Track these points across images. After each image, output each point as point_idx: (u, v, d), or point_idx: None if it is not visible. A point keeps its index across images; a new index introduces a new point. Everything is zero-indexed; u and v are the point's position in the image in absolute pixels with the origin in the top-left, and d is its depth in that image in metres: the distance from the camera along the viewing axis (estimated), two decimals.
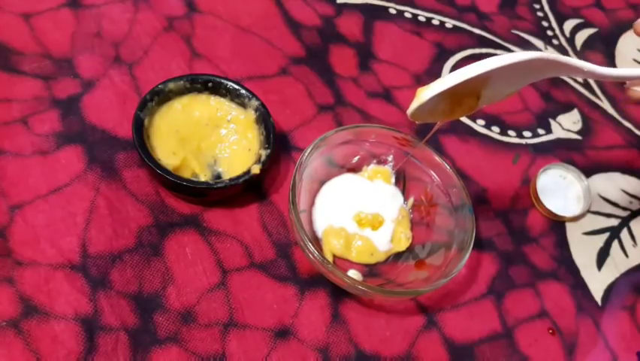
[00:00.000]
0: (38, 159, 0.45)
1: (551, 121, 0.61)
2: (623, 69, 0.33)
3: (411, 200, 0.50)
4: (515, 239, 0.52)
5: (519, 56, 0.31)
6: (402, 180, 0.51)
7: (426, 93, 0.33)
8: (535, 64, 0.32)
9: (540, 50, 0.67)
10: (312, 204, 0.48)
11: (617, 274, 0.53)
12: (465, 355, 0.45)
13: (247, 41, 0.57)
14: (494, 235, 0.52)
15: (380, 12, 0.65)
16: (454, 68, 0.62)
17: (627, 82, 0.35)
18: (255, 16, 0.59)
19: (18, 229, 0.41)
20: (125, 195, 0.45)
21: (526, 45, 0.67)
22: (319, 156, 0.47)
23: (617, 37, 0.73)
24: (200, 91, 0.48)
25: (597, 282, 0.52)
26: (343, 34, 0.61)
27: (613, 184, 0.58)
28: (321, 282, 0.45)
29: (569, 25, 0.71)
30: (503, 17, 0.69)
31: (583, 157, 0.59)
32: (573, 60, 0.32)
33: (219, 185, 0.43)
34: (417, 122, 0.35)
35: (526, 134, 0.59)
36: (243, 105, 0.48)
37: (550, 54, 0.33)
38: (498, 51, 0.65)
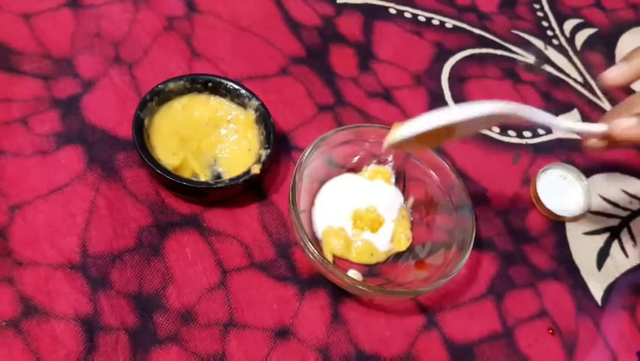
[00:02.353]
0: (38, 159, 0.45)
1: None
2: (577, 123, 0.35)
3: (411, 200, 0.50)
4: (515, 239, 0.52)
5: (482, 108, 0.34)
6: (402, 180, 0.51)
7: (398, 133, 0.36)
8: (497, 116, 0.35)
9: (540, 50, 0.67)
10: (312, 204, 0.48)
11: (617, 274, 0.53)
12: (465, 355, 0.45)
13: (247, 41, 0.57)
14: (494, 235, 0.52)
15: (380, 12, 0.65)
16: (454, 67, 0.62)
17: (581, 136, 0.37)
18: (254, 16, 0.59)
19: (18, 229, 0.41)
20: (125, 195, 0.45)
21: (526, 45, 0.67)
22: (319, 156, 0.47)
23: (617, 37, 0.73)
24: (200, 91, 0.48)
25: (597, 282, 0.52)
26: (343, 34, 0.61)
27: (613, 184, 0.58)
28: (321, 282, 0.45)
29: (569, 25, 0.71)
30: (503, 17, 0.69)
31: (583, 157, 0.59)
32: (531, 111, 0.35)
33: (219, 185, 0.43)
34: (394, 150, 0.38)
35: (526, 134, 0.59)
36: (243, 105, 0.48)
37: (510, 105, 0.35)
38: (498, 51, 0.66)
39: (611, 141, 0.34)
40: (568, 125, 0.35)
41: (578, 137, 0.37)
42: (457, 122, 0.35)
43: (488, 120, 0.38)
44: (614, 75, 0.37)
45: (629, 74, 0.36)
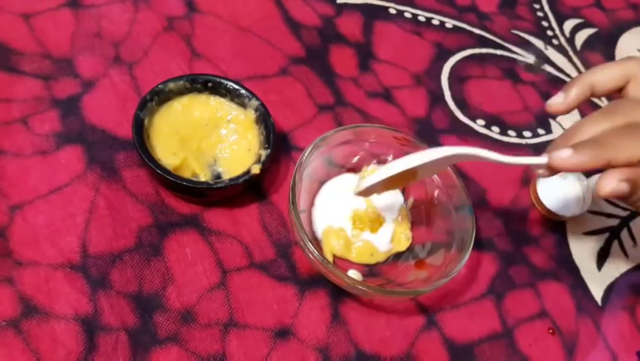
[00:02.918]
0: (38, 159, 0.45)
1: (551, 121, 0.61)
2: (522, 158, 0.40)
3: (411, 200, 0.50)
4: (515, 239, 0.52)
5: (437, 153, 0.39)
6: None
7: (365, 182, 0.41)
8: (452, 158, 0.40)
9: (540, 50, 0.67)
10: (311, 204, 0.48)
11: (617, 274, 0.53)
12: (465, 355, 0.45)
13: (247, 41, 0.57)
14: (494, 235, 0.52)
15: (380, 12, 0.65)
16: (454, 67, 0.62)
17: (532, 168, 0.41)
18: (255, 17, 0.59)
19: (18, 229, 0.41)
20: (125, 195, 0.45)
21: (526, 45, 0.67)
22: (319, 156, 0.47)
23: (617, 37, 0.73)
24: (200, 91, 0.48)
25: (597, 282, 0.52)
26: (343, 34, 0.61)
27: None
28: (321, 282, 0.45)
29: (569, 25, 0.71)
30: (503, 17, 0.69)
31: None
32: (481, 153, 0.39)
33: (219, 185, 0.43)
34: (365, 196, 0.44)
35: (526, 134, 0.59)
36: (243, 105, 0.48)
37: (462, 148, 0.39)
38: (498, 51, 0.66)
39: (553, 169, 0.37)
40: (515, 160, 0.39)
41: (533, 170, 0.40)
42: (418, 167, 0.39)
43: (446, 162, 0.43)
44: (555, 105, 0.40)
45: (567, 104, 0.40)
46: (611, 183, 0.35)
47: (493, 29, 0.67)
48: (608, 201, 0.57)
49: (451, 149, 0.39)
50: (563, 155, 0.36)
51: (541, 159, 0.38)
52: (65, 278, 0.40)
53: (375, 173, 0.41)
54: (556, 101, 0.40)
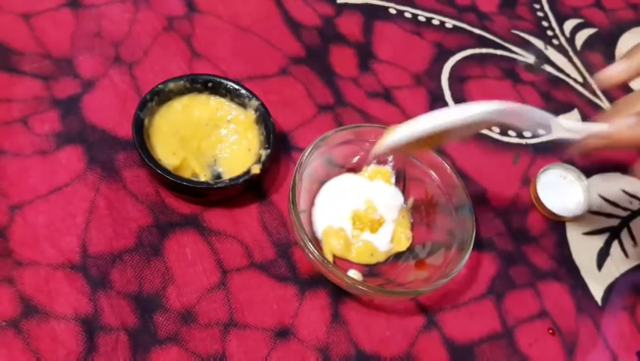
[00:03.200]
0: (38, 159, 0.45)
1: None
2: (577, 123, 0.35)
3: (411, 200, 0.50)
4: (515, 239, 0.52)
5: (483, 109, 0.33)
6: (402, 180, 0.51)
7: (391, 137, 0.36)
8: (497, 114, 0.35)
9: (540, 50, 0.67)
10: (312, 204, 0.48)
11: (617, 274, 0.53)
12: (465, 355, 0.45)
13: (247, 41, 0.57)
14: (494, 235, 0.52)
15: (380, 12, 0.65)
16: (454, 67, 0.62)
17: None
18: (255, 17, 0.59)
19: (18, 229, 0.41)
20: (125, 195, 0.45)
21: (526, 45, 0.67)
22: (319, 156, 0.47)
23: (617, 37, 0.73)
24: (200, 91, 0.48)
25: (597, 282, 0.52)
26: (343, 34, 0.61)
27: (613, 184, 0.58)
28: (321, 282, 0.45)
29: (569, 25, 0.71)
30: (503, 17, 0.69)
31: (583, 157, 0.59)
32: (530, 110, 0.34)
33: (219, 185, 0.43)
34: (387, 154, 0.39)
35: (526, 134, 0.59)
36: (243, 105, 0.48)
37: (510, 104, 0.34)
38: (498, 51, 0.66)
39: (610, 140, 0.33)
40: (568, 125, 0.35)
41: (577, 137, 0.37)
42: (456, 126, 0.35)
43: (488, 122, 0.37)
44: (614, 72, 0.36)
45: (630, 71, 0.35)
46: None
47: (493, 29, 0.67)
48: (608, 201, 0.57)
49: (498, 105, 0.34)
50: (626, 123, 0.31)
51: (599, 127, 0.33)
52: (65, 278, 0.40)
53: (399, 129, 0.36)
54: (617, 70, 0.35)
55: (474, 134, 0.40)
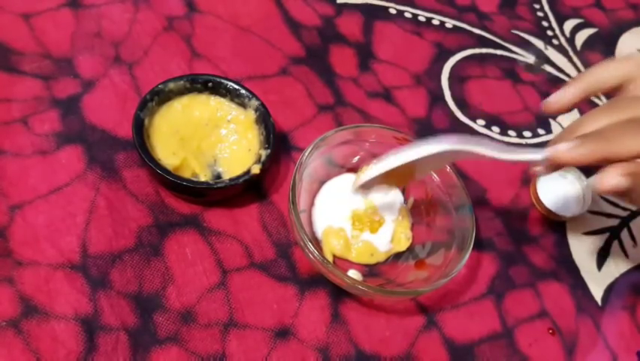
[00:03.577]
0: (38, 159, 0.45)
1: (551, 121, 0.62)
2: (521, 154, 0.38)
3: (411, 200, 0.50)
4: (515, 239, 0.52)
5: (433, 148, 0.38)
6: None
7: (365, 175, 0.41)
8: (451, 153, 0.39)
9: (540, 50, 0.67)
10: (312, 204, 0.48)
11: (617, 274, 0.53)
12: (465, 355, 0.45)
13: (247, 41, 0.57)
14: (494, 235, 0.52)
15: (380, 12, 0.65)
16: (454, 67, 0.62)
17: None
18: (255, 17, 0.59)
19: (18, 229, 0.41)
20: (125, 195, 0.45)
21: (526, 45, 0.67)
22: (319, 156, 0.47)
23: (617, 37, 0.73)
24: (200, 91, 0.48)
25: (597, 282, 0.52)
26: (343, 34, 0.61)
27: None
28: (321, 282, 0.45)
29: (569, 25, 0.71)
30: (503, 17, 0.69)
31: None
32: (482, 149, 0.38)
33: (219, 185, 0.43)
34: (362, 193, 0.45)
35: (526, 134, 0.59)
36: (243, 105, 0.48)
37: (458, 144, 0.38)
38: (498, 51, 0.66)
39: (553, 165, 0.37)
40: (512, 157, 0.38)
41: (530, 170, 0.40)
42: (415, 162, 0.39)
43: (443, 160, 0.43)
44: (552, 102, 0.40)
45: (566, 103, 0.40)
46: (613, 179, 0.34)
47: (493, 29, 0.67)
48: (608, 201, 0.57)
49: (446, 144, 0.38)
50: (564, 147, 0.35)
51: (541, 154, 0.37)
52: (65, 278, 0.40)
53: (372, 168, 0.41)
54: (555, 100, 0.40)
55: (437, 168, 0.47)
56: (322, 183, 0.49)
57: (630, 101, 0.37)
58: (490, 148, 0.38)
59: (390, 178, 0.42)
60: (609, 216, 0.56)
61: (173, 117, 0.47)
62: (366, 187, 0.43)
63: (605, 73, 0.40)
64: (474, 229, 0.45)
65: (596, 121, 0.36)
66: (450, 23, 0.66)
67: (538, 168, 0.38)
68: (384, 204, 0.48)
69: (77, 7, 0.54)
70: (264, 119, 0.47)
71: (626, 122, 0.35)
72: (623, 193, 0.35)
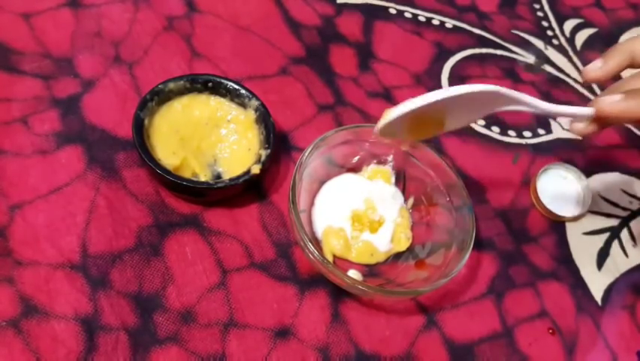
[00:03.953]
0: (38, 159, 0.45)
1: (551, 121, 0.61)
2: (565, 107, 0.36)
3: (411, 200, 0.50)
4: (515, 239, 0.52)
5: (473, 87, 0.35)
6: (402, 180, 0.51)
7: (392, 113, 0.37)
8: (488, 96, 0.36)
9: (540, 50, 0.67)
10: (312, 204, 0.48)
11: (617, 274, 0.53)
12: (465, 355, 0.45)
13: (247, 41, 0.57)
14: (494, 235, 0.52)
15: (380, 12, 0.65)
16: (454, 67, 0.62)
17: (570, 118, 0.38)
18: (255, 16, 0.59)
19: (18, 229, 0.41)
20: (125, 195, 0.45)
21: (526, 45, 0.67)
22: (319, 156, 0.47)
23: (617, 37, 0.73)
24: (200, 91, 0.48)
25: (597, 282, 0.52)
26: (343, 34, 0.61)
27: (613, 184, 0.58)
28: (321, 282, 0.45)
29: (569, 25, 0.71)
30: (503, 17, 0.69)
31: (583, 157, 0.59)
32: (523, 96, 0.36)
33: (219, 185, 0.43)
34: (385, 139, 0.40)
35: (526, 134, 0.59)
36: (243, 105, 0.48)
37: (502, 89, 0.36)
38: (498, 51, 0.66)
39: (599, 120, 0.35)
40: (557, 108, 0.36)
41: (571, 127, 0.38)
42: (446, 100, 0.35)
43: (478, 105, 0.38)
44: (592, 70, 0.39)
45: (606, 71, 0.38)
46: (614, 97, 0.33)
47: (493, 29, 0.67)
48: (608, 201, 0.57)
49: (483, 86, 0.35)
50: (611, 99, 0.33)
51: (587, 109, 0.35)
52: (65, 278, 0.40)
53: (397, 108, 0.37)
54: (595, 67, 0.38)
55: (467, 124, 0.41)
56: (322, 183, 0.49)
57: None
58: (533, 100, 0.36)
59: (417, 125, 0.38)
60: (609, 216, 0.56)
61: (173, 117, 0.47)
62: (389, 133, 0.39)
63: (638, 45, 0.38)
64: (474, 229, 0.45)
65: (638, 82, 0.35)
66: (450, 23, 0.66)
67: (580, 125, 0.37)
68: (385, 204, 0.48)
69: (77, 7, 0.54)
70: (264, 119, 0.47)
71: None
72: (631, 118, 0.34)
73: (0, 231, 0.41)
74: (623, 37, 0.73)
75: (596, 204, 0.56)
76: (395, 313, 0.45)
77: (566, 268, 0.52)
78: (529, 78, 0.64)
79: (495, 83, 0.61)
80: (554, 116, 0.38)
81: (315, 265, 0.43)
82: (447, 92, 0.35)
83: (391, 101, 0.57)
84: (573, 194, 0.56)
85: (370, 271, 0.47)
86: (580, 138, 0.39)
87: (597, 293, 0.51)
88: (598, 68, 0.38)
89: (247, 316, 0.42)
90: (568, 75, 0.66)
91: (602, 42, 0.71)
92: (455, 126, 0.40)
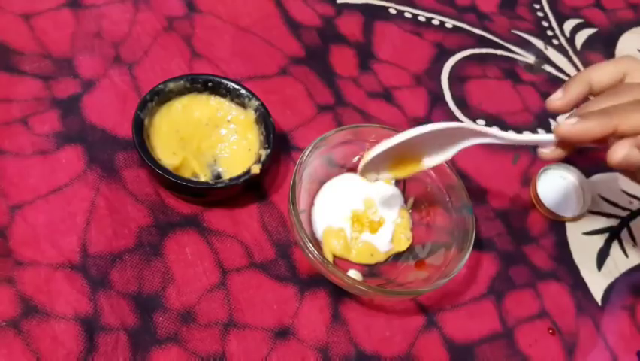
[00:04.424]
0: (38, 159, 0.45)
1: (551, 121, 0.61)
2: (529, 136, 0.39)
3: (411, 200, 0.50)
4: (515, 239, 0.52)
5: (440, 125, 0.38)
6: (402, 180, 0.50)
7: (369, 154, 0.40)
8: (454, 132, 0.39)
9: (540, 50, 0.67)
10: (312, 204, 0.48)
11: (617, 274, 0.53)
12: (465, 355, 0.45)
13: (247, 41, 0.57)
14: (494, 235, 0.52)
15: (380, 12, 0.65)
16: (454, 68, 0.62)
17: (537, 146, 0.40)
18: (255, 17, 0.59)
19: (18, 229, 0.41)
20: (125, 195, 0.45)
21: (526, 45, 0.67)
22: (319, 156, 0.47)
23: (617, 37, 0.73)
24: (200, 91, 0.48)
25: (597, 282, 0.52)
26: (343, 34, 0.61)
27: (613, 184, 0.58)
28: (321, 282, 0.45)
29: (569, 25, 0.71)
30: (503, 17, 0.69)
31: (583, 157, 0.59)
32: (487, 129, 0.38)
33: (219, 185, 0.43)
34: (370, 180, 0.42)
35: (527, 134, 0.59)
36: (243, 105, 0.48)
37: (466, 124, 0.39)
38: (498, 51, 0.66)
39: (562, 144, 0.37)
40: (522, 138, 0.39)
41: (538, 153, 0.40)
42: (414, 139, 0.38)
43: (447, 141, 0.40)
44: (554, 100, 0.40)
45: (567, 101, 0.40)
46: (624, 150, 0.35)
47: (493, 29, 0.67)
48: (607, 201, 0.57)
49: (450, 123, 0.38)
50: (570, 122, 0.35)
51: (549, 136, 0.37)
52: (65, 278, 0.40)
53: (374, 149, 0.40)
54: (556, 98, 0.40)
55: (447, 159, 0.42)
56: (322, 183, 0.49)
57: (629, 86, 0.38)
58: (496, 130, 0.39)
59: (396, 165, 0.40)
60: (609, 216, 0.56)
61: (173, 117, 0.47)
62: (370, 171, 0.41)
63: (602, 70, 0.40)
64: (474, 229, 0.45)
65: (599, 105, 0.37)
66: (450, 23, 0.66)
67: (545, 151, 0.39)
68: (385, 204, 0.48)
69: (77, 7, 0.54)
70: (264, 119, 0.47)
71: (627, 103, 0.36)
72: (634, 168, 0.36)
73: (0, 231, 0.41)
74: (623, 38, 0.73)
75: (596, 204, 0.56)
76: (395, 314, 0.45)
77: (566, 268, 0.52)
78: (529, 78, 0.64)
79: (495, 83, 0.62)
80: (519, 144, 0.41)
81: (315, 265, 0.43)
82: (414, 131, 0.38)
83: (391, 101, 0.57)
84: (573, 194, 0.56)
85: (370, 271, 0.47)
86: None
87: (597, 293, 0.51)
88: (558, 98, 0.40)
89: (247, 316, 0.42)
90: (568, 75, 0.66)
91: (602, 42, 0.71)
92: (433, 163, 0.42)
